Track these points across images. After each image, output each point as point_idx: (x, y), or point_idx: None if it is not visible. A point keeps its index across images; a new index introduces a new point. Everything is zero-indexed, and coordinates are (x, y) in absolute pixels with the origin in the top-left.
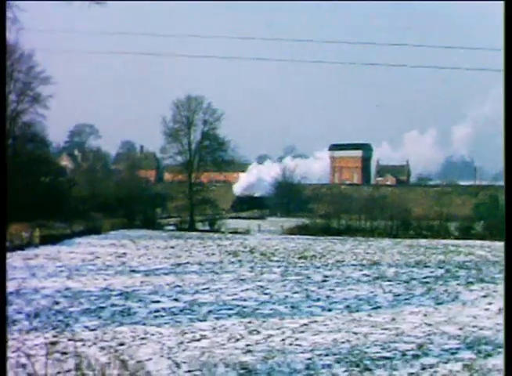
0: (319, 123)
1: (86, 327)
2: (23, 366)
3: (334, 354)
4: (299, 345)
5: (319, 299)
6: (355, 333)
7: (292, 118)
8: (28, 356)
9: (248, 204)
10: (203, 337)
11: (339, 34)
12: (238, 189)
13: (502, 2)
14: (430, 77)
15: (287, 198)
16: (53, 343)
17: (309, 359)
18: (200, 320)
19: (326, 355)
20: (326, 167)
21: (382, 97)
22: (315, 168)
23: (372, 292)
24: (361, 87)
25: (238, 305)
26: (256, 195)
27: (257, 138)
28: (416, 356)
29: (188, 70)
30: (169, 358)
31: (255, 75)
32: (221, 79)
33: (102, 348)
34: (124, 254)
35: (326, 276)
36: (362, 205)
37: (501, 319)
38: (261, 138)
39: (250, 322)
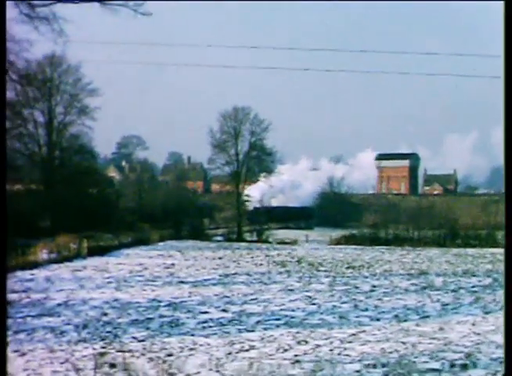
0: (352, 130)
1: (134, 338)
2: None
3: (383, 364)
4: (347, 355)
5: (367, 309)
6: (403, 342)
7: (330, 126)
8: (77, 369)
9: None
10: (252, 347)
11: (363, 42)
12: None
13: (502, 2)
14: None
15: (334, 209)
16: (102, 354)
17: (357, 371)
18: (249, 331)
19: (374, 365)
20: (366, 174)
21: (420, 104)
22: (355, 175)
23: (420, 301)
24: (397, 96)
25: (286, 316)
26: (291, 205)
27: (300, 147)
28: (464, 366)
29: (233, 81)
30: (217, 371)
31: (295, 85)
32: (265, 89)
33: (151, 360)
34: (173, 264)
35: (374, 286)
36: (410, 215)
37: None
38: (303, 146)
39: (298, 332)
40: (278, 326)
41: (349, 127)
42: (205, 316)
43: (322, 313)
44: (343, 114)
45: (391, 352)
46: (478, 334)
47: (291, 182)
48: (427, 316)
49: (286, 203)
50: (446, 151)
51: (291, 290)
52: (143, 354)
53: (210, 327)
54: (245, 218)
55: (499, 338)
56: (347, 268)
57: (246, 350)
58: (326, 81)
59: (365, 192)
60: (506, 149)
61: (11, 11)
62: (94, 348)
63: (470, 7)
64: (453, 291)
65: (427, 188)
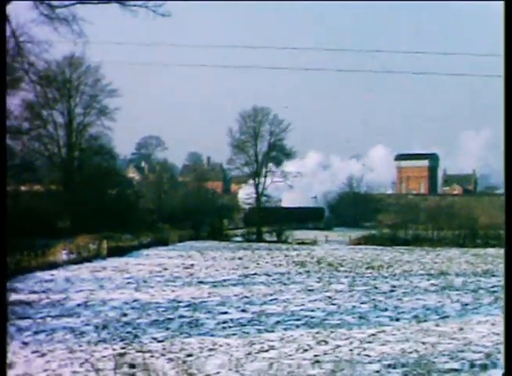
0: (362, 129)
1: (154, 338)
2: None
3: (402, 364)
4: (367, 356)
5: (386, 309)
6: (423, 343)
7: (339, 125)
8: (97, 370)
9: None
10: (271, 348)
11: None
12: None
13: (502, 2)
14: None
15: (354, 210)
16: (121, 355)
17: (377, 371)
18: (268, 331)
19: (394, 365)
20: (379, 171)
21: (435, 104)
22: (369, 172)
23: (439, 302)
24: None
25: (306, 316)
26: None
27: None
28: (484, 366)
29: (253, 82)
30: (237, 371)
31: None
32: (287, 90)
33: (171, 360)
34: (192, 265)
35: (394, 286)
36: (429, 215)
37: None
38: (311, 143)
39: (318, 332)
40: (298, 326)
41: (359, 126)
42: (225, 317)
43: (341, 313)
44: (352, 113)
45: (410, 353)
46: (498, 334)
47: (301, 179)
48: (447, 316)
49: (298, 203)
50: (462, 150)
51: (311, 290)
52: (163, 354)
53: (230, 327)
54: (240, 219)
55: None
56: (367, 268)
57: (266, 350)
58: (337, 80)
59: (380, 190)
60: (506, 148)
61: (31, 12)
62: (114, 349)
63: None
64: (473, 291)
65: (447, 188)
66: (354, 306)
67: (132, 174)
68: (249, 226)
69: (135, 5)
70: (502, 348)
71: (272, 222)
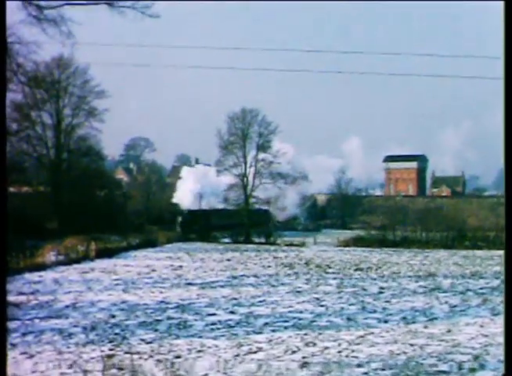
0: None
1: (142, 340)
2: None
3: (390, 366)
4: (355, 357)
5: (375, 311)
6: (411, 344)
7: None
8: (85, 371)
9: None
10: (260, 349)
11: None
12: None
13: (502, 2)
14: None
15: (342, 211)
16: (110, 356)
17: (365, 374)
18: (256, 333)
19: (383, 368)
20: (358, 167)
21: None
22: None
23: (428, 303)
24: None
25: (294, 318)
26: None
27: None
28: (472, 369)
29: (242, 83)
30: (225, 373)
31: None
32: (278, 92)
33: (159, 362)
34: (180, 266)
35: (382, 288)
36: (418, 217)
37: None
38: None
39: (306, 334)
40: (286, 328)
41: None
42: (213, 318)
43: (330, 315)
44: (330, 113)
45: (398, 354)
46: (486, 336)
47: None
48: (435, 318)
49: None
50: (449, 152)
51: (299, 292)
52: (151, 356)
53: (218, 328)
54: (177, 224)
55: None
56: (355, 270)
57: (254, 352)
58: (320, 81)
59: (369, 191)
60: (506, 148)
61: (19, 13)
62: (102, 351)
63: (470, 7)
64: (461, 292)
65: (435, 190)
66: (342, 308)
67: (121, 175)
68: (187, 233)
69: (123, 7)
70: (490, 349)
71: (213, 227)
